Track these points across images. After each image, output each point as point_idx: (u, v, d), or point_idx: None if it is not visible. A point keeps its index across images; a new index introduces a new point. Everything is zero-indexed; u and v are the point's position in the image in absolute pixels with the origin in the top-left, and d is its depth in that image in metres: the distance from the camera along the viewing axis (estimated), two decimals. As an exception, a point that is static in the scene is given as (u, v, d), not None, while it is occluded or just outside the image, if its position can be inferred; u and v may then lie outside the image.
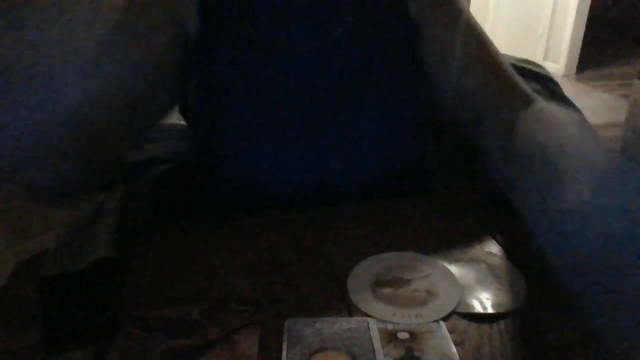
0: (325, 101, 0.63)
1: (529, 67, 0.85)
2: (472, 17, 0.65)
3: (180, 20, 0.59)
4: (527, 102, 0.62)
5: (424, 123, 0.72)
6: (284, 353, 0.40)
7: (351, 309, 0.47)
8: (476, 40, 0.65)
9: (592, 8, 4.00)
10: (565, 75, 4.07)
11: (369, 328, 0.43)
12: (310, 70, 0.61)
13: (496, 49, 0.66)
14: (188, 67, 0.62)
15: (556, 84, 0.85)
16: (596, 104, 2.36)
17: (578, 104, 0.75)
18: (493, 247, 0.58)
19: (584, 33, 3.96)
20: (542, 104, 0.62)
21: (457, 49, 0.64)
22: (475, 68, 0.65)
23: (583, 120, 0.60)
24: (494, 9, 4.60)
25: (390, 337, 0.43)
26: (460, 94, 0.67)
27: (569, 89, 3.51)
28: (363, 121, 0.65)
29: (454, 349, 0.41)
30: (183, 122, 0.76)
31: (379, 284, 0.50)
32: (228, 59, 0.61)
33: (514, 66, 0.84)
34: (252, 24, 0.60)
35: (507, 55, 0.87)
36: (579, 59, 4.12)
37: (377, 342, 0.42)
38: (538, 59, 4.12)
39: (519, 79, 0.66)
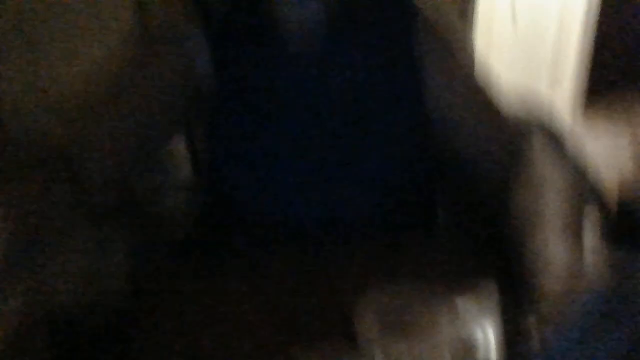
0: (332, 138, 0.65)
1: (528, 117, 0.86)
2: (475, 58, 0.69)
3: (192, 60, 0.61)
4: (523, 134, 0.64)
5: (428, 158, 0.73)
6: None
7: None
8: (474, 85, 0.67)
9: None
10: (573, 111, 4.00)
11: None
12: (317, 115, 0.64)
13: (491, 90, 0.67)
14: (196, 103, 0.63)
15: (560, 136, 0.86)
16: (605, 144, 2.31)
17: (586, 143, 0.76)
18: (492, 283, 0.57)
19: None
20: (537, 143, 0.63)
21: (459, 93, 0.66)
22: (472, 112, 0.67)
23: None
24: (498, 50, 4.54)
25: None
26: (459, 131, 0.68)
27: (576, 125, 3.47)
28: (369, 158, 0.66)
29: None
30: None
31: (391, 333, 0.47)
32: (240, 105, 0.63)
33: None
34: (265, 74, 0.62)
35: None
36: (588, 95, 3.98)
37: None
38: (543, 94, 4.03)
39: (516, 118, 0.67)
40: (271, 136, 0.64)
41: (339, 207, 0.68)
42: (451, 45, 0.67)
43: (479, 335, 0.47)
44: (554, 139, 0.81)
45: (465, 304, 0.49)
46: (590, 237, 0.52)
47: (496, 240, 0.63)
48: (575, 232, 0.52)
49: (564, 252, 0.49)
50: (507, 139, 0.64)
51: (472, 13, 2.21)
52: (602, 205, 0.63)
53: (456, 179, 0.79)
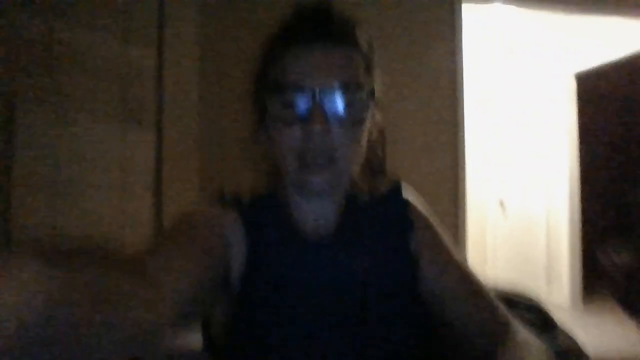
0: (342, 328, 0.66)
1: (523, 299, 0.87)
2: (459, 254, 0.73)
3: (228, 250, 0.65)
4: (506, 327, 0.67)
5: (427, 348, 0.73)
6: None
7: None
8: (463, 275, 0.71)
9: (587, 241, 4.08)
10: (572, 305, 4.05)
11: None
12: (335, 308, 0.66)
13: (478, 279, 0.71)
14: (221, 292, 0.66)
15: (549, 314, 0.86)
16: (608, 336, 2.31)
17: (587, 335, 0.77)
18: None
19: (586, 264, 3.99)
20: (518, 336, 0.65)
21: (448, 286, 0.70)
22: (461, 298, 0.70)
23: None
24: (492, 246, 4.79)
25: None
26: (450, 323, 0.71)
27: (576, 319, 3.48)
28: (373, 338, 0.67)
29: None
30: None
31: None
32: (266, 301, 0.66)
33: (508, 298, 0.87)
34: (284, 269, 0.67)
35: (501, 288, 0.90)
36: (585, 289, 4.09)
37: None
38: (541, 291, 4.18)
39: (500, 305, 0.70)
40: (287, 322, 0.65)
41: None
42: (444, 241, 0.73)
43: None
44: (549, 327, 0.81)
45: None
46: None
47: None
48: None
49: None
50: (493, 327, 0.67)
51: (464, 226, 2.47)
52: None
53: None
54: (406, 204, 0.73)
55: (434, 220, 0.74)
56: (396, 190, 0.75)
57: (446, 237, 0.73)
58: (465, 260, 0.74)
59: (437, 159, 2.48)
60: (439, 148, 2.49)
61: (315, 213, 0.70)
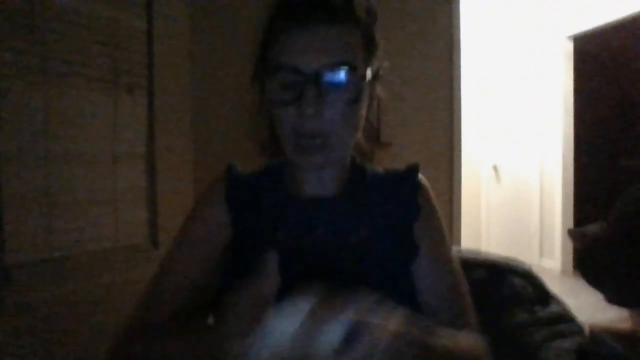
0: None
1: (514, 265, 0.88)
2: (450, 250, 0.72)
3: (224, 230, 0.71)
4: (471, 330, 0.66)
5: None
6: None
7: None
8: (448, 271, 0.71)
9: (580, 208, 4.09)
10: (563, 272, 4.10)
11: None
12: (323, 268, 0.68)
13: (461, 271, 0.72)
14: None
15: (539, 279, 0.87)
16: (598, 300, 2.36)
17: (577, 301, 0.77)
18: None
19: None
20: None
21: (430, 277, 0.70)
22: (437, 295, 0.69)
23: None
24: (486, 212, 4.80)
25: None
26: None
27: (566, 285, 3.51)
28: None
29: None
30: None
31: None
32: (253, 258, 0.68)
33: (500, 265, 0.88)
34: (274, 225, 0.69)
35: (493, 254, 0.91)
36: (576, 255, 4.14)
37: None
38: (534, 257, 4.20)
39: (472, 310, 0.70)
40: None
41: None
42: (442, 235, 0.72)
43: None
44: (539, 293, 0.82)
45: None
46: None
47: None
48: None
49: None
50: (457, 325, 0.67)
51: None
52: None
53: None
54: (418, 187, 0.72)
55: (438, 210, 0.73)
56: (412, 172, 0.74)
57: (444, 230, 0.73)
58: (454, 256, 0.73)
59: (433, 123, 2.47)
60: (435, 113, 2.47)
61: (313, 182, 0.70)
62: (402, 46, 2.38)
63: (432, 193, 0.73)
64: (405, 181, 0.73)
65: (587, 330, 0.82)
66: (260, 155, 0.77)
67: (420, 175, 0.73)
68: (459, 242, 2.57)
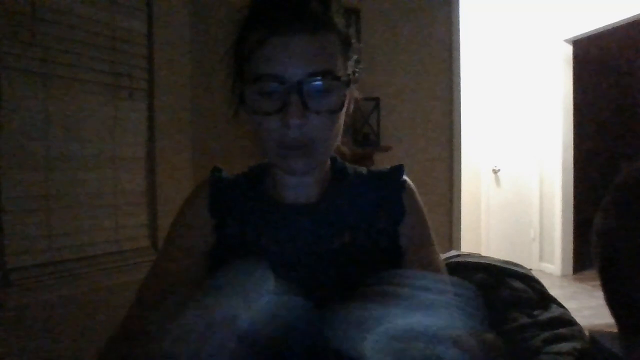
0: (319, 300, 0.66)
1: (514, 268, 0.88)
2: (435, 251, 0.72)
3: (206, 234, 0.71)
4: None
5: None
6: None
7: None
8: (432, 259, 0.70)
9: (580, 211, 4.09)
10: (564, 276, 4.10)
11: None
12: (308, 274, 0.67)
13: (446, 271, 0.71)
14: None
15: (540, 283, 0.87)
16: (598, 304, 2.37)
17: (578, 304, 0.77)
18: None
19: (579, 234, 4.02)
20: None
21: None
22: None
23: None
24: (486, 215, 4.80)
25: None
26: None
27: (567, 289, 3.53)
28: None
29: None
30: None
31: None
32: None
33: (500, 268, 0.88)
34: (258, 232, 0.69)
35: (495, 258, 0.91)
36: (576, 259, 4.15)
37: None
38: (534, 261, 4.23)
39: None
40: None
41: None
42: (428, 236, 0.72)
43: None
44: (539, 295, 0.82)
45: None
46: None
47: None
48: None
49: None
50: None
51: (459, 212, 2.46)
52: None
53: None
54: (403, 187, 0.72)
55: (424, 211, 0.72)
56: (397, 172, 0.73)
57: (429, 231, 0.72)
58: (439, 258, 0.72)
59: (433, 127, 2.47)
60: (435, 116, 2.48)
61: (295, 186, 0.70)
62: (401, 50, 2.39)
63: (417, 194, 0.73)
64: (390, 181, 0.72)
65: (587, 333, 0.82)
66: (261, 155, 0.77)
67: (404, 176, 0.73)
68: (458, 246, 2.56)
